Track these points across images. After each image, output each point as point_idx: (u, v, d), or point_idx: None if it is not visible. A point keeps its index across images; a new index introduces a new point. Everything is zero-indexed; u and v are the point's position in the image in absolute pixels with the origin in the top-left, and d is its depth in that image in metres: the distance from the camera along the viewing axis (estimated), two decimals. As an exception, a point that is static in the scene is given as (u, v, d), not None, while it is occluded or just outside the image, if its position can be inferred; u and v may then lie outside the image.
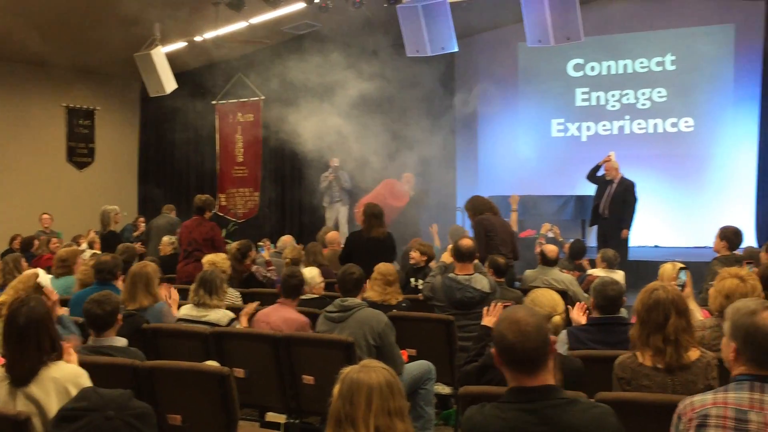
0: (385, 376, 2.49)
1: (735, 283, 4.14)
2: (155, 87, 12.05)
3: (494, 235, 7.35)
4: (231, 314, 5.50)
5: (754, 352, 2.63)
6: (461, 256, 5.93)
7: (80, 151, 15.40)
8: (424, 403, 5.26)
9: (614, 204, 10.31)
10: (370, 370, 2.50)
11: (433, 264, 7.32)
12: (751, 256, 6.78)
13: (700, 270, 7.26)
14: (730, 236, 7.08)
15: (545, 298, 4.16)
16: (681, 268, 4.88)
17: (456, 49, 10.40)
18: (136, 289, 5.50)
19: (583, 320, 4.75)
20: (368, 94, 11.55)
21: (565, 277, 7.32)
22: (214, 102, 15.51)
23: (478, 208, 7.79)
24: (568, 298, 6.81)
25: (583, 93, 14.80)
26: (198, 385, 4.24)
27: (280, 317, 5.35)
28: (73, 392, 3.12)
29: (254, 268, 7.96)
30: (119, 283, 5.95)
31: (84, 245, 10.12)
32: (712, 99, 13.80)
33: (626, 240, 10.29)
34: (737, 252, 7.12)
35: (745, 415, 2.57)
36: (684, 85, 13.97)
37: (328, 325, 5.13)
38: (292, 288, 5.55)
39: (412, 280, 7.40)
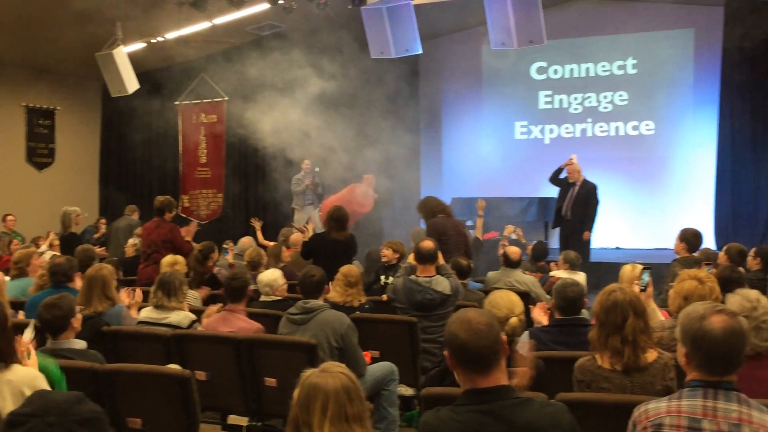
0: (343, 381, 2.46)
1: (693, 285, 4.18)
2: (117, 87, 11.91)
3: (447, 239, 7.33)
4: (192, 316, 5.45)
5: (702, 358, 2.60)
6: (422, 258, 5.93)
7: (40, 151, 15.17)
8: (388, 404, 5.26)
9: (576, 206, 10.40)
10: (327, 375, 2.47)
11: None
12: (708, 258, 6.87)
13: (661, 271, 7.33)
14: (690, 238, 7.18)
15: (503, 300, 4.18)
16: (644, 269, 4.93)
17: (420, 51, 10.43)
18: (92, 293, 5.39)
19: (544, 320, 4.80)
20: (332, 94, 11.53)
21: (527, 279, 7.36)
22: (176, 102, 15.36)
23: (431, 210, 7.78)
24: (531, 300, 6.87)
25: (546, 96, 14.91)
26: (159, 387, 4.20)
27: (231, 329, 5.22)
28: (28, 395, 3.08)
29: (216, 269, 7.91)
30: (77, 285, 5.86)
31: (44, 247, 9.98)
32: (672, 102, 13.99)
33: (588, 241, 10.38)
34: (696, 254, 7.20)
35: (698, 423, 2.56)
36: (645, 89, 14.14)
37: (291, 327, 5.11)
38: (235, 291, 5.44)
39: (383, 277, 7.40)
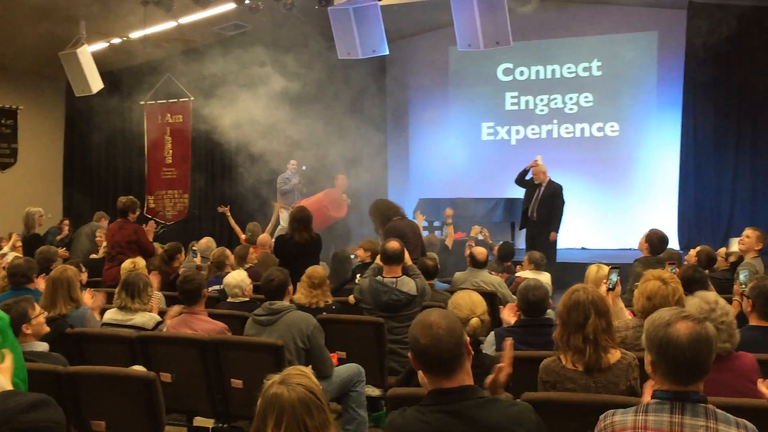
0: (300, 394, 2.40)
1: (657, 285, 4.22)
2: (81, 86, 11.77)
3: (406, 241, 7.31)
4: (157, 317, 5.41)
5: (668, 366, 2.55)
6: (388, 258, 5.94)
7: (2, 151, 14.94)
8: (356, 405, 5.26)
9: (542, 207, 10.46)
10: (285, 387, 2.41)
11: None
12: (671, 258, 6.95)
13: (625, 271, 7.41)
14: (655, 241, 7.22)
15: (464, 301, 4.20)
16: (612, 268, 4.99)
17: (387, 52, 10.43)
18: (57, 295, 5.33)
19: (513, 320, 4.84)
20: (298, 94, 11.52)
21: (494, 279, 7.39)
22: (142, 102, 15.25)
23: (386, 213, 7.75)
24: (498, 300, 6.91)
25: (513, 97, 14.99)
26: (123, 390, 4.17)
27: (193, 332, 5.16)
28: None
29: (182, 270, 7.84)
30: (39, 285, 5.80)
31: (6, 248, 9.85)
32: (636, 104, 14.13)
33: (555, 242, 10.44)
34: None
35: None
36: (610, 91, 14.27)
37: (257, 329, 5.09)
38: (187, 294, 5.36)
39: (359, 276, 7.38)
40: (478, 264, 7.46)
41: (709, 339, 2.55)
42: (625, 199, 14.01)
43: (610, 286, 4.76)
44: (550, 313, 5.13)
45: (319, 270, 6.18)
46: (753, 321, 4.39)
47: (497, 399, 2.64)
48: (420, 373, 2.73)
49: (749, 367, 3.55)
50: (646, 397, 2.83)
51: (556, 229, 10.47)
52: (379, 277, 5.91)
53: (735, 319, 3.59)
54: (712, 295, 3.66)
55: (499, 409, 2.59)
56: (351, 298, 6.47)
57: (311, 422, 2.38)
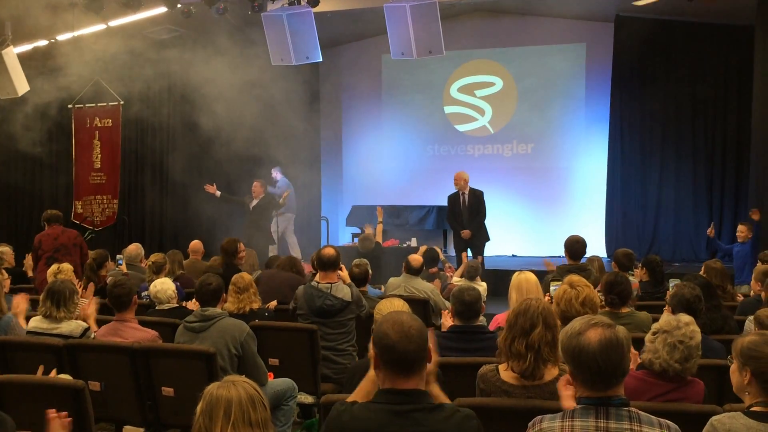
0: (246, 389, 2.55)
1: (563, 290, 4.37)
2: (6, 89, 11.49)
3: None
4: (84, 324, 5.25)
5: (584, 374, 2.65)
6: (323, 264, 5.94)
7: None
8: (285, 420, 5.24)
9: (472, 213, 10.59)
10: (230, 385, 2.56)
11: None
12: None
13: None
14: (571, 247, 7.36)
15: (386, 308, 4.27)
16: (554, 279, 5.10)
17: (320, 59, 10.46)
18: None
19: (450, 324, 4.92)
20: (231, 100, 11.40)
21: (426, 286, 7.43)
22: (70, 106, 14.91)
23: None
24: (430, 307, 6.97)
25: (445, 106, 15.13)
26: (50, 399, 4.07)
27: (123, 340, 5.07)
28: None
29: (109, 279, 7.69)
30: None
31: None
32: (566, 114, 14.40)
33: (483, 246, 10.58)
34: (582, 261, 7.41)
35: None
36: (540, 101, 14.49)
37: (188, 336, 5.03)
38: (117, 299, 5.24)
39: None
40: (412, 271, 7.50)
41: (620, 341, 2.65)
42: (555, 208, 14.24)
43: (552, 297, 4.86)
44: (483, 320, 5.21)
45: (244, 276, 6.13)
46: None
47: (443, 405, 2.72)
48: (371, 372, 2.80)
49: (695, 400, 3.57)
50: (564, 401, 2.90)
51: (471, 231, 10.59)
52: (313, 282, 5.91)
53: (699, 348, 3.61)
54: (687, 317, 3.70)
55: (444, 416, 2.67)
56: (272, 304, 6.56)
57: (255, 416, 2.52)
